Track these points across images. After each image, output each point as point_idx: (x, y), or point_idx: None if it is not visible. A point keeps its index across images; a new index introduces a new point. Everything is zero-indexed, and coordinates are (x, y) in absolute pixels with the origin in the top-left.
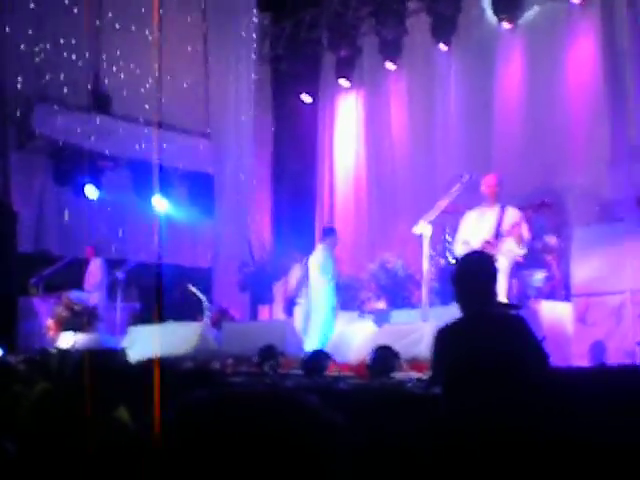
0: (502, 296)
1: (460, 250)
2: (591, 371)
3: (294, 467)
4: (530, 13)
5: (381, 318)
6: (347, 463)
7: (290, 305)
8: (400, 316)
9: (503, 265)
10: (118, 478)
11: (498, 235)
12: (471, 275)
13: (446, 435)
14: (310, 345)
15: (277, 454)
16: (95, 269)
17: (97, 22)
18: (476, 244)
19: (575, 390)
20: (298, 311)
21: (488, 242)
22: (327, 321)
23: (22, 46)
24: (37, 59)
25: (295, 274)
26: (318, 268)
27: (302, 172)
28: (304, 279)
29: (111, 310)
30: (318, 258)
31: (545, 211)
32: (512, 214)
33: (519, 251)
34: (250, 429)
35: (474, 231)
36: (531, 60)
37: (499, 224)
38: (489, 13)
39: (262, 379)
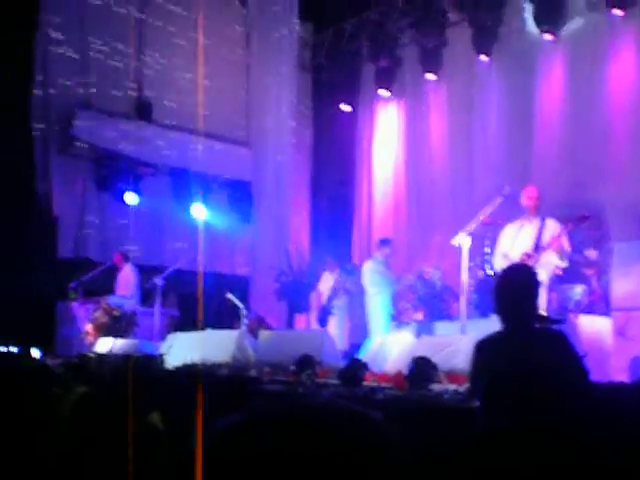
0: (542, 309)
1: (499, 263)
2: (631, 386)
3: None
4: (572, 24)
5: (419, 329)
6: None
7: (323, 314)
8: (438, 328)
9: (543, 278)
10: None
11: (538, 248)
12: (512, 288)
13: (485, 449)
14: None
15: (341, 473)
16: (127, 275)
17: (141, 31)
18: (516, 257)
19: (616, 405)
20: (333, 320)
21: (528, 255)
22: (383, 330)
23: (66, 52)
24: (81, 65)
25: (326, 283)
26: (369, 278)
27: (341, 181)
28: (337, 288)
29: (149, 316)
30: (370, 268)
31: (586, 225)
32: (552, 226)
33: (560, 263)
34: (312, 447)
35: (514, 244)
36: (572, 72)
37: (539, 237)
38: (530, 24)
39: (299, 388)
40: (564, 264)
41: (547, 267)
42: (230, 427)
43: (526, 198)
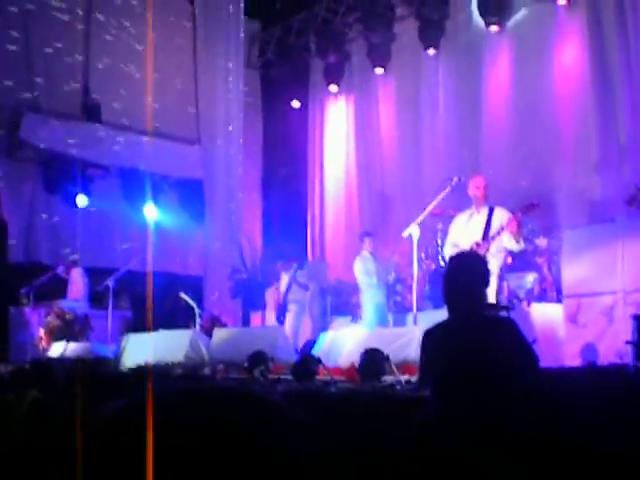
0: (492, 298)
1: (450, 252)
2: (582, 371)
3: (256, 462)
4: (517, 16)
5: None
6: (315, 461)
7: (280, 311)
8: (392, 320)
9: (493, 267)
10: None
11: (487, 237)
12: (459, 276)
13: (435, 438)
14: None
15: (239, 449)
16: (76, 279)
17: (87, 31)
18: (466, 246)
19: (566, 390)
20: (289, 317)
21: (477, 244)
22: (377, 321)
23: (11, 54)
24: (26, 66)
25: (284, 281)
26: (361, 272)
27: (292, 177)
28: (290, 282)
29: (102, 319)
30: (359, 265)
31: (535, 213)
32: (501, 214)
33: (516, 246)
34: (213, 423)
35: (464, 234)
36: (519, 63)
37: (488, 226)
38: (476, 17)
39: (252, 384)
40: (520, 246)
41: (498, 256)
42: (119, 410)
43: (474, 188)
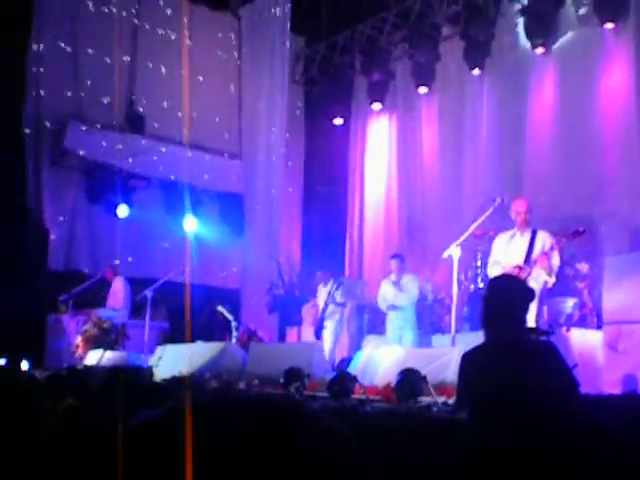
0: (532, 322)
1: (493, 271)
2: (623, 399)
3: (295, 475)
4: (564, 39)
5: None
6: (356, 476)
7: (319, 328)
8: (433, 341)
9: (534, 290)
10: None
11: (529, 260)
12: (500, 298)
13: (472, 462)
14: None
15: (277, 460)
16: (117, 288)
17: (133, 42)
18: (508, 267)
19: (606, 418)
20: (326, 334)
21: (520, 267)
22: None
23: (59, 63)
24: (73, 77)
25: (322, 296)
26: (379, 297)
27: (333, 195)
28: (327, 301)
29: (140, 329)
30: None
31: (579, 239)
32: (544, 239)
33: (548, 279)
34: (248, 434)
35: (505, 254)
36: (564, 86)
37: (530, 249)
38: (522, 38)
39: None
40: (552, 280)
41: (539, 280)
42: (149, 420)
43: (515, 212)
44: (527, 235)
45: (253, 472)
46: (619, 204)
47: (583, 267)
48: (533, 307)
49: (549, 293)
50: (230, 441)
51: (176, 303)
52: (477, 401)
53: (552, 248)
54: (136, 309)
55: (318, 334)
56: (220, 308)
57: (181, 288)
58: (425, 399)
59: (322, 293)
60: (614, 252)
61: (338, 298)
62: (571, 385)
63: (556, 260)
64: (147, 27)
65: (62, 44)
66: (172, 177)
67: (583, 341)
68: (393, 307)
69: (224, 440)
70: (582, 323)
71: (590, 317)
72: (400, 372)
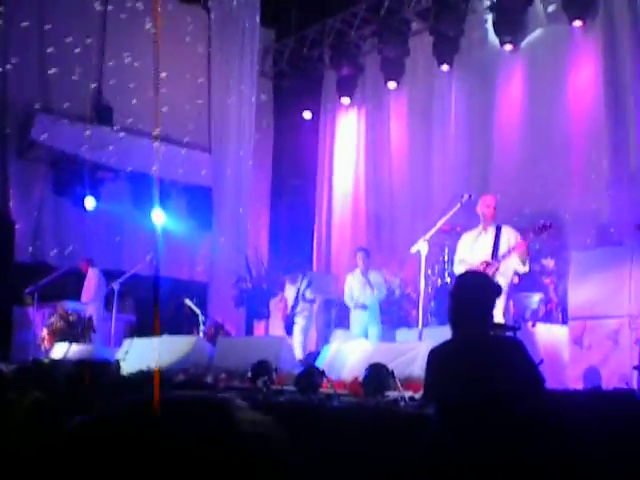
0: (499, 317)
1: (458, 270)
2: (587, 394)
3: (219, 474)
4: (532, 36)
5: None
6: (281, 474)
7: (289, 323)
8: (397, 335)
9: (502, 286)
10: None
11: (496, 256)
12: (466, 294)
13: (439, 457)
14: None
15: (202, 459)
16: (91, 280)
17: (102, 33)
18: (474, 264)
19: (570, 413)
20: (297, 329)
21: (488, 263)
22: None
23: (25, 55)
24: (40, 67)
25: (290, 291)
26: (345, 293)
27: (301, 188)
28: (297, 297)
29: (106, 321)
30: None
31: (547, 234)
32: (509, 234)
33: (522, 268)
34: (178, 434)
35: (471, 252)
36: (532, 82)
37: (496, 245)
38: (491, 35)
39: (254, 394)
40: (525, 269)
41: (506, 275)
42: (82, 424)
43: (484, 206)
44: (491, 231)
45: (187, 467)
46: (585, 200)
47: (549, 263)
48: (500, 303)
49: (515, 288)
50: (166, 438)
51: (143, 296)
52: (444, 397)
53: (520, 242)
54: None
55: (289, 330)
56: (188, 302)
57: (148, 281)
58: (392, 394)
59: (290, 290)
60: (580, 248)
61: (308, 295)
62: (537, 381)
63: (525, 251)
64: (117, 17)
65: (29, 32)
66: (140, 170)
67: (548, 336)
68: (363, 306)
69: (160, 437)
70: (548, 318)
71: (556, 312)
72: (368, 367)
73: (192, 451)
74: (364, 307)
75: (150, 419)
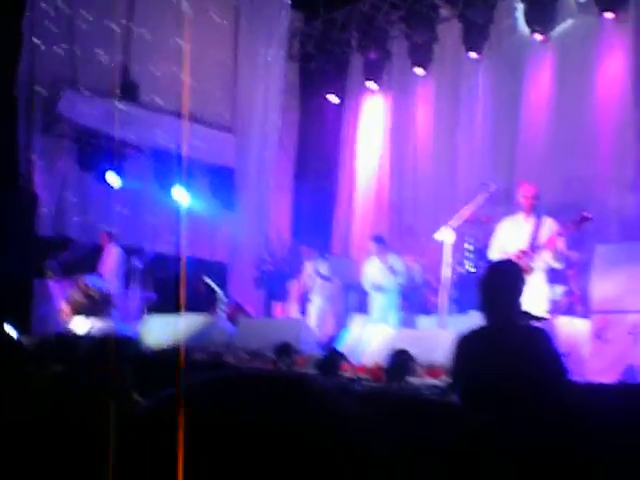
0: (543, 307)
1: (493, 256)
2: (609, 388)
3: (304, 456)
4: (563, 26)
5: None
6: (365, 455)
7: (303, 303)
8: (418, 322)
9: (539, 277)
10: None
11: (534, 246)
12: (496, 283)
13: (463, 444)
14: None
15: (286, 442)
16: (110, 256)
17: (129, 10)
18: (511, 252)
19: (593, 406)
20: (312, 309)
21: (524, 252)
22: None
23: (52, 30)
24: (68, 42)
25: (307, 269)
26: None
27: (324, 172)
28: (315, 277)
29: (127, 298)
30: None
31: (585, 226)
32: (549, 225)
33: (554, 264)
34: (257, 414)
35: (509, 239)
36: (561, 73)
37: (535, 235)
38: (521, 24)
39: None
40: (558, 265)
41: (542, 266)
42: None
43: (520, 196)
44: (532, 221)
45: (264, 451)
46: (611, 195)
47: (572, 255)
48: (544, 291)
49: None
50: (244, 418)
51: (164, 274)
52: (470, 384)
53: (559, 234)
54: (125, 278)
55: (303, 309)
56: (208, 280)
57: (169, 259)
58: (414, 380)
59: (307, 267)
60: (603, 241)
61: (322, 270)
62: (562, 372)
63: (562, 246)
64: None
65: (58, 6)
66: (163, 147)
67: (570, 329)
68: (379, 288)
69: (239, 417)
70: (569, 311)
71: (578, 305)
72: (391, 352)
73: (278, 431)
74: (380, 289)
75: (234, 398)
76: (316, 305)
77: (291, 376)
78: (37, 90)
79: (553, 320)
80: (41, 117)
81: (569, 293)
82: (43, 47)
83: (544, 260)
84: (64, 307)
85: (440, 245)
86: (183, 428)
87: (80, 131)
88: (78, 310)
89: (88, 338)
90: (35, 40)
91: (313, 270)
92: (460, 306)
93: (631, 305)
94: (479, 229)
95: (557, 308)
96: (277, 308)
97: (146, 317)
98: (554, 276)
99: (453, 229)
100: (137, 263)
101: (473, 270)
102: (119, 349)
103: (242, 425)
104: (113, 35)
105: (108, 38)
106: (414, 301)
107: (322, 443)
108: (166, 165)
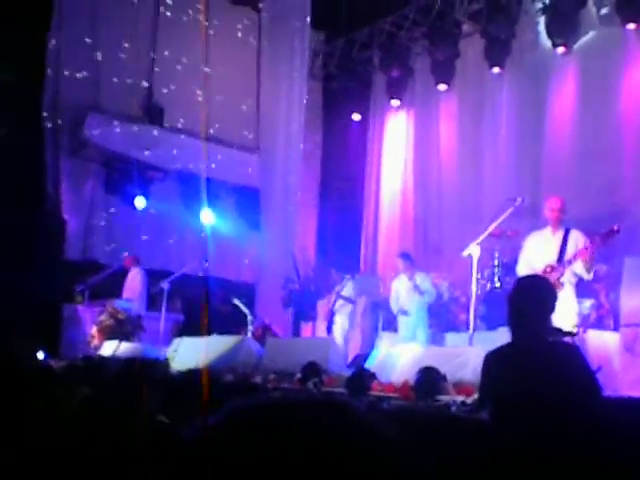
0: (572, 321)
1: (523, 272)
2: None
3: None
4: (585, 38)
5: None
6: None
7: (331, 323)
8: (447, 339)
9: (568, 290)
10: None
11: (562, 260)
12: (525, 298)
13: (494, 462)
14: None
15: (328, 468)
16: (134, 278)
17: (153, 34)
18: (539, 267)
19: (625, 421)
20: (336, 329)
21: (552, 267)
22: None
23: (78, 54)
24: (92, 68)
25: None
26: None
27: (349, 190)
28: (337, 297)
29: (154, 320)
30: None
31: (614, 240)
32: (577, 238)
33: (585, 275)
34: (299, 440)
35: (537, 253)
36: (585, 85)
37: (563, 249)
38: (544, 37)
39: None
40: (589, 276)
41: (572, 280)
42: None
43: (547, 209)
44: (560, 234)
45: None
46: (638, 205)
47: (601, 268)
48: (573, 305)
49: None
50: (284, 443)
51: (191, 295)
52: (500, 401)
53: (587, 247)
54: (151, 301)
55: (329, 329)
56: (236, 301)
57: (196, 281)
58: (443, 398)
59: (336, 289)
60: (632, 254)
61: (344, 292)
62: (594, 388)
63: (591, 258)
64: (168, 15)
65: (81, 33)
66: (189, 170)
67: (600, 343)
68: (404, 312)
69: (279, 443)
70: (599, 324)
71: (607, 319)
72: (419, 370)
73: (325, 459)
74: (405, 313)
75: (279, 424)
76: (339, 323)
77: (333, 401)
78: (63, 114)
79: (582, 334)
80: (68, 141)
81: (598, 306)
82: (67, 72)
83: (575, 271)
84: (94, 331)
85: (467, 261)
86: (230, 458)
87: (107, 155)
88: (108, 334)
89: (115, 360)
90: (60, 65)
91: (335, 292)
92: (488, 323)
93: None
94: (506, 244)
95: (586, 322)
96: (305, 328)
97: (175, 339)
98: (583, 290)
99: (480, 245)
100: (164, 285)
101: (498, 285)
102: (146, 371)
103: (287, 455)
104: (138, 60)
105: (133, 63)
106: (442, 318)
107: (366, 467)
108: (192, 187)
